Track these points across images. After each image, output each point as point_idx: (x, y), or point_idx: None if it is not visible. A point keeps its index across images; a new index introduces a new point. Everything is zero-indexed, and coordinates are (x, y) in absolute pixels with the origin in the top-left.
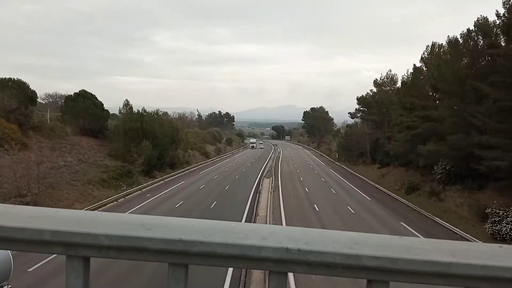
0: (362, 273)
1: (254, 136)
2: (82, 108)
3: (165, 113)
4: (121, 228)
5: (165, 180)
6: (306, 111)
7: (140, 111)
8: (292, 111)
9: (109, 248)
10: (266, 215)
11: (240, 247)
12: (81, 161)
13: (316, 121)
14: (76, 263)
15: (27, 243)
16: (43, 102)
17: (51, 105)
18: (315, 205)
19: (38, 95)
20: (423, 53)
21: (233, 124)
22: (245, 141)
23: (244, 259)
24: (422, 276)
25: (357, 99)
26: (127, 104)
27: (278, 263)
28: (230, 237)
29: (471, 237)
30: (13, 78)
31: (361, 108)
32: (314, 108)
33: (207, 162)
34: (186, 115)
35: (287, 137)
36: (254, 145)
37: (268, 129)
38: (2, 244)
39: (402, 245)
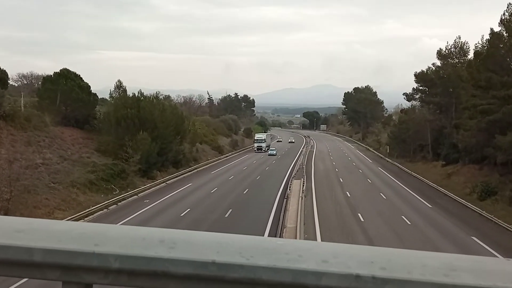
0: None
1: (279, 125)
2: (64, 91)
3: (167, 97)
4: (135, 245)
5: (168, 182)
6: (347, 92)
7: (136, 94)
8: (328, 92)
9: (119, 272)
10: (296, 227)
11: (294, 273)
12: (63, 158)
13: (360, 105)
14: None
15: (12, 266)
16: (16, 85)
17: (26, 88)
18: (359, 214)
19: (9, 76)
20: (504, 14)
21: (253, 110)
22: (268, 131)
23: None
24: None
25: (415, 75)
26: (119, 86)
27: None
28: (280, 259)
29: None
30: None
31: (420, 88)
32: (357, 88)
33: (220, 159)
34: (194, 99)
35: (323, 126)
36: (262, 145)
37: (298, 115)
38: None
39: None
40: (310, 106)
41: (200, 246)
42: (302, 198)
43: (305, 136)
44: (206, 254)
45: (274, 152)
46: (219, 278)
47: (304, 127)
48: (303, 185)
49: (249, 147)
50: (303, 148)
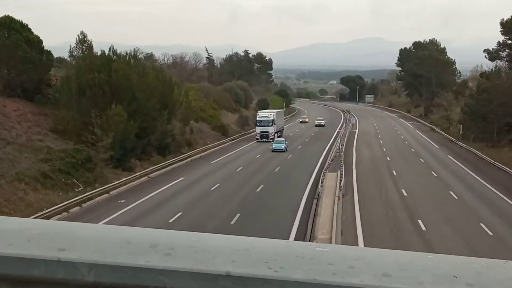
0: None
1: (307, 95)
2: (6, 48)
3: (150, 56)
4: (116, 251)
5: (150, 175)
6: (404, 48)
7: (107, 52)
8: (376, 49)
9: None
10: (330, 238)
11: None
12: (5, 142)
13: (422, 67)
14: None
15: None
16: None
17: None
18: (419, 221)
19: None
20: None
21: (270, 75)
22: (292, 104)
23: None
24: None
25: (501, 24)
26: (83, 41)
27: None
28: (322, 272)
29: None
30: None
31: (510, 42)
32: (418, 43)
33: (224, 142)
34: (187, 59)
35: (369, 97)
36: (268, 129)
37: (334, 82)
38: None
39: None
40: (350, 69)
41: (208, 253)
42: (339, 199)
43: (343, 111)
44: (217, 263)
45: (283, 146)
46: None
47: (342, 98)
48: (340, 180)
49: None
50: (340, 128)
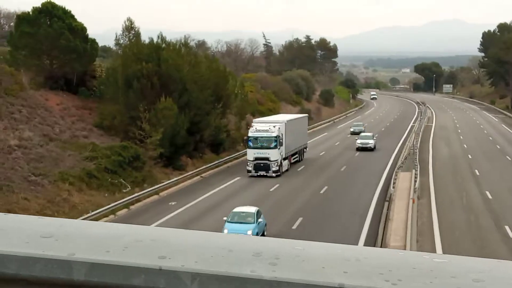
0: None
1: (377, 85)
2: (49, 36)
3: (202, 44)
4: (219, 260)
5: (203, 175)
6: (487, 31)
7: (156, 40)
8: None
9: None
10: (404, 246)
11: None
12: (48, 138)
13: (509, 52)
14: None
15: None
16: None
17: None
18: (506, 228)
19: None
20: None
21: (335, 63)
22: (359, 95)
23: None
24: None
25: None
26: (130, 28)
27: None
28: (444, 285)
29: None
30: None
31: None
32: (504, 25)
33: None
34: (242, 46)
35: (447, 87)
36: (266, 158)
37: (407, 70)
38: None
39: None
40: (426, 55)
41: (316, 263)
42: (413, 201)
43: (418, 103)
44: (328, 274)
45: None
46: None
47: (416, 88)
48: (415, 181)
49: (327, 122)
50: (414, 122)
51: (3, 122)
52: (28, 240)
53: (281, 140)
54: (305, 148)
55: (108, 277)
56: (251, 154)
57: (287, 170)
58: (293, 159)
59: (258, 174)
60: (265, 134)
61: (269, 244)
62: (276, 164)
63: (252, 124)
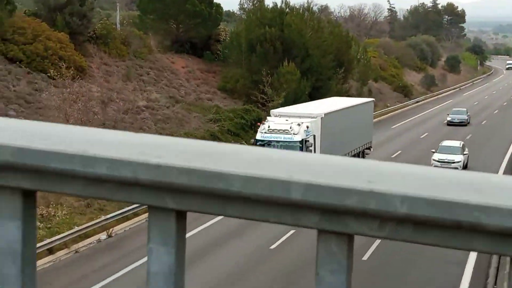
0: None
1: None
2: (176, 1)
3: (324, 8)
4: (428, 185)
5: None
6: None
7: (279, 5)
8: None
9: (403, 221)
10: None
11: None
12: (174, 100)
13: None
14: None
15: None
16: None
17: None
18: None
19: None
20: None
21: (462, 28)
22: (487, 62)
23: None
24: None
25: None
26: None
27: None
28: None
29: None
30: None
31: None
32: None
33: (408, 105)
34: (365, 11)
35: None
36: None
37: None
38: None
39: None
40: None
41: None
42: None
43: None
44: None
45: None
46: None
47: None
48: None
49: (452, 90)
50: None
51: (132, 84)
52: (249, 163)
53: (310, 147)
54: (369, 148)
55: (323, 197)
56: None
57: None
58: None
59: None
60: (282, 137)
61: (473, 175)
62: None
63: (267, 118)
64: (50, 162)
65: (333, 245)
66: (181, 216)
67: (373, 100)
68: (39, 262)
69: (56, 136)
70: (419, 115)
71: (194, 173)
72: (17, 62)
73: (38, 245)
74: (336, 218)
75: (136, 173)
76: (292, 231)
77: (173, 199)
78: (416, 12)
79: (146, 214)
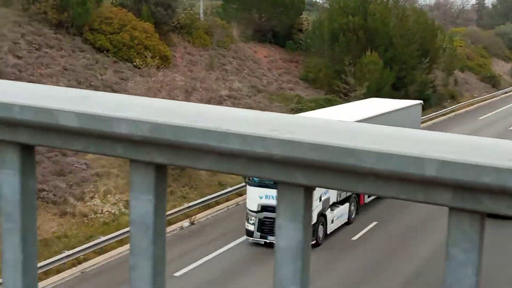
0: None
1: None
2: None
3: None
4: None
5: None
6: None
7: None
8: None
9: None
10: None
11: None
12: (256, 90)
13: None
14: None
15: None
16: None
17: None
18: None
19: None
20: None
21: None
22: None
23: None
24: None
25: None
26: None
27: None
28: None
29: None
30: None
31: None
32: None
33: (496, 96)
34: (452, 0)
35: None
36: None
37: None
38: None
39: None
40: None
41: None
42: None
43: None
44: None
45: None
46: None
47: None
48: None
49: None
50: None
51: (215, 73)
52: (380, 140)
53: None
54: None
55: (459, 174)
56: (254, 198)
57: (349, 223)
58: (352, 210)
59: (266, 241)
60: None
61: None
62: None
63: None
64: (186, 137)
65: (465, 224)
66: (309, 193)
67: (421, 103)
68: (121, 249)
69: (189, 113)
70: (508, 106)
71: (325, 149)
72: (104, 52)
73: (120, 232)
74: (470, 195)
75: (268, 149)
76: None
77: (303, 175)
78: (505, 0)
79: (227, 203)
